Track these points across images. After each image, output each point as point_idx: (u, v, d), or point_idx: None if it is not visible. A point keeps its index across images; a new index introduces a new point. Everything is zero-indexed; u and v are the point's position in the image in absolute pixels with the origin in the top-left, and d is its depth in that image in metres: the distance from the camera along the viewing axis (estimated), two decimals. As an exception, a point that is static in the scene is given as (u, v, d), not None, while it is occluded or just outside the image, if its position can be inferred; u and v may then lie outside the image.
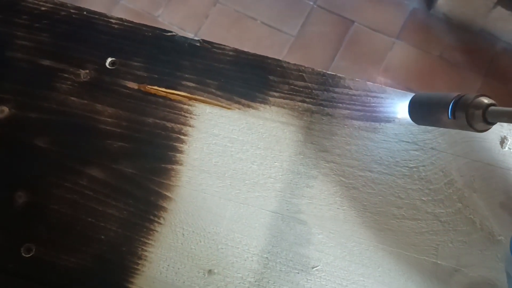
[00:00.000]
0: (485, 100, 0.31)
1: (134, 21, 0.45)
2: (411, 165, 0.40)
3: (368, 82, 0.42)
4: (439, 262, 0.38)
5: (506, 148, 0.40)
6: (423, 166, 0.40)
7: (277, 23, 1.19)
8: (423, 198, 0.39)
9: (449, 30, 1.15)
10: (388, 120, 0.41)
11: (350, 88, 0.42)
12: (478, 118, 0.31)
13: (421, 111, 0.37)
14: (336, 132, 0.41)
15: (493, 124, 0.31)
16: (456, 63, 1.13)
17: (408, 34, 1.16)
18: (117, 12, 1.20)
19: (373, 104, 0.41)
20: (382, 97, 0.41)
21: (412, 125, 0.40)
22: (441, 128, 0.40)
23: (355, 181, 0.40)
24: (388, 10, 1.18)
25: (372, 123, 0.41)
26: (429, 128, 0.40)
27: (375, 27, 1.17)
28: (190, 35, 1.18)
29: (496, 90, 1.11)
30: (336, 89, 0.42)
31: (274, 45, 1.17)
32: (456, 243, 0.38)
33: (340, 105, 0.42)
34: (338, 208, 0.39)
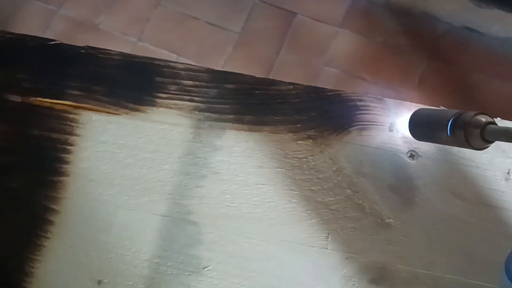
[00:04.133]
0: (483, 119, 0.31)
1: (15, 33, 0.43)
2: (300, 156, 0.40)
3: (258, 77, 0.42)
4: (329, 250, 0.38)
5: (394, 131, 0.40)
6: (312, 156, 0.40)
7: (220, 21, 1.18)
8: (312, 188, 0.39)
9: (390, 15, 1.16)
10: (277, 113, 0.41)
11: (238, 84, 0.41)
12: (477, 137, 0.30)
13: (421, 128, 0.37)
14: (226, 129, 0.40)
15: (491, 142, 0.31)
16: (400, 48, 1.14)
17: (351, 22, 1.16)
18: (57, 23, 1.18)
19: (262, 98, 0.41)
20: (270, 91, 0.41)
21: (299, 114, 0.40)
22: (326, 115, 0.40)
23: (246, 178, 0.39)
24: (330, -1, 1.18)
25: (261, 117, 0.41)
26: (315, 115, 0.40)
27: (318, 17, 1.17)
28: (133, 40, 1.16)
29: (440, 72, 1.12)
30: (226, 85, 0.41)
31: (218, 43, 1.16)
32: (346, 230, 0.38)
33: (230, 101, 0.41)
34: (228, 206, 0.39)
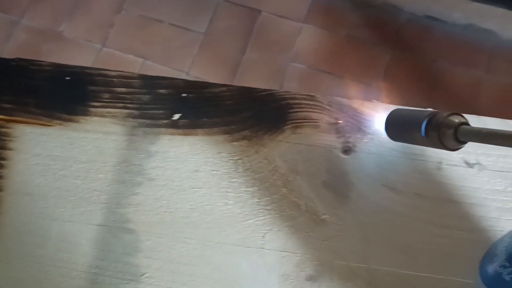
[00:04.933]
0: (456, 119, 0.31)
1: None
2: (236, 157, 0.40)
3: (191, 80, 0.42)
4: (266, 250, 0.38)
5: (328, 127, 0.40)
6: (247, 156, 0.40)
7: (184, 23, 1.17)
8: (249, 189, 0.39)
9: (353, 8, 1.16)
10: (211, 115, 0.40)
11: (171, 88, 0.41)
12: (450, 137, 0.30)
13: (396, 129, 0.37)
14: (160, 134, 0.40)
15: (465, 142, 0.31)
16: (364, 40, 1.14)
17: (315, 17, 1.16)
18: (18, 34, 1.16)
19: (195, 102, 0.41)
20: (204, 93, 0.41)
21: (233, 116, 0.40)
22: (260, 115, 0.40)
23: (181, 183, 0.39)
24: (293, -5, 1.18)
25: (195, 120, 0.41)
26: (249, 116, 0.40)
27: (282, 14, 1.17)
28: (98, 47, 1.16)
29: (405, 61, 1.13)
30: (159, 91, 0.41)
31: (184, 45, 1.16)
32: (283, 228, 0.38)
33: (163, 106, 0.41)
34: (165, 212, 0.39)
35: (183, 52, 1.15)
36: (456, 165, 0.39)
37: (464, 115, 0.37)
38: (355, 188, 0.39)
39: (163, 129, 0.40)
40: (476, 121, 0.40)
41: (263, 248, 0.38)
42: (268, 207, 0.39)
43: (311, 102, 0.41)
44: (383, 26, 1.15)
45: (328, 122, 0.40)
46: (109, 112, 0.41)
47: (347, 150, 0.40)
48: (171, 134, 0.40)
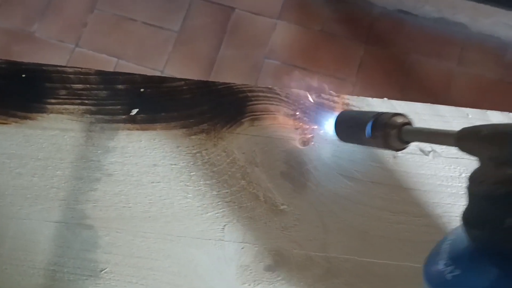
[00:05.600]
0: (400, 120, 0.31)
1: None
2: (194, 151, 0.40)
3: (149, 75, 0.42)
4: (226, 241, 0.38)
5: (286, 118, 0.41)
6: (206, 149, 0.40)
7: (158, 21, 1.17)
8: (207, 182, 0.39)
9: (326, 3, 1.17)
10: (169, 110, 0.40)
11: (128, 83, 0.41)
12: (394, 138, 0.31)
13: (345, 131, 0.37)
14: (118, 130, 0.40)
15: (409, 142, 0.31)
16: (337, 35, 1.15)
17: (289, 13, 1.17)
18: (-11, 34, 1.14)
19: (153, 96, 0.41)
20: (162, 88, 0.41)
21: (191, 110, 0.40)
22: (218, 108, 0.40)
23: (140, 177, 0.39)
24: (266, -8, 1.19)
25: (153, 115, 0.41)
26: (208, 109, 0.40)
27: (256, 10, 1.18)
28: (70, 47, 1.14)
29: (378, 55, 1.14)
30: (117, 86, 0.41)
31: (158, 44, 1.15)
32: (242, 219, 0.39)
33: (121, 101, 0.41)
34: (124, 207, 0.39)
35: (158, 51, 1.14)
36: (411, 153, 0.40)
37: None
38: (313, 177, 0.39)
39: (121, 125, 0.40)
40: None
41: (222, 240, 0.38)
42: (227, 199, 0.39)
43: (269, 95, 0.41)
44: (356, 21, 1.16)
45: (286, 114, 0.41)
46: (66, 109, 0.41)
47: (305, 141, 0.40)
48: (129, 129, 0.40)
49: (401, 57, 1.14)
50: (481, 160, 0.22)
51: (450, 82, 1.12)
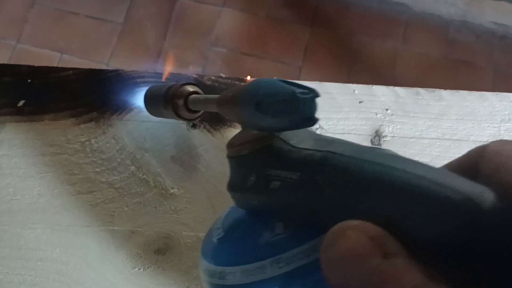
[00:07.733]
0: (189, 89, 0.31)
1: None
2: (83, 139, 0.40)
3: (36, 66, 0.41)
4: (116, 228, 0.38)
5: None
6: (95, 138, 0.40)
7: (101, 14, 1.15)
8: (96, 170, 0.39)
9: (270, -12, 1.17)
10: (57, 100, 0.40)
11: (14, 76, 0.40)
12: (182, 107, 0.31)
13: (150, 105, 0.37)
14: (6, 123, 0.40)
15: (197, 111, 0.31)
16: (283, 20, 1.15)
17: (233, 0, 1.16)
18: None
19: (41, 87, 0.40)
20: (50, 78, 0.40)
21: (80, 99, 0.40)
22: (107, 96, 0.40)
23: (28, 169, 0.39)
24: (210, -21, 1.18)
25: (41, 106, 0.40)
26: (97, 98, 0.40)
27: (200, -1, 1.17)
28: (12, 43, 1.12)
29: (324, 38, 1.14)
30: (2, 79, 0.41)
31: (102, 36, 1.13)
32: (132, 205, 0.39)
33: (7, 94, 0.40)
34: (11, 199, 0.38)
35: (102, 44, 1.13)
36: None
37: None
38: (203, 160, 0.40)
39: (8, 117, 0.40)
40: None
41: (112, 227, 0.38)
42: (117, 186, 0.39)
43: (158, 80, 0.41)
44: (301, 4, 1.16)
45: (176, 97, 0.41)
46: (-49, 104, 0.40)
47: (195, 125, 0.40)
48: (16, 121, 0.40)
49: (347, 39, 1.15)
50: (239, 124, 0.22)
51: (395, 61, 1.13)
